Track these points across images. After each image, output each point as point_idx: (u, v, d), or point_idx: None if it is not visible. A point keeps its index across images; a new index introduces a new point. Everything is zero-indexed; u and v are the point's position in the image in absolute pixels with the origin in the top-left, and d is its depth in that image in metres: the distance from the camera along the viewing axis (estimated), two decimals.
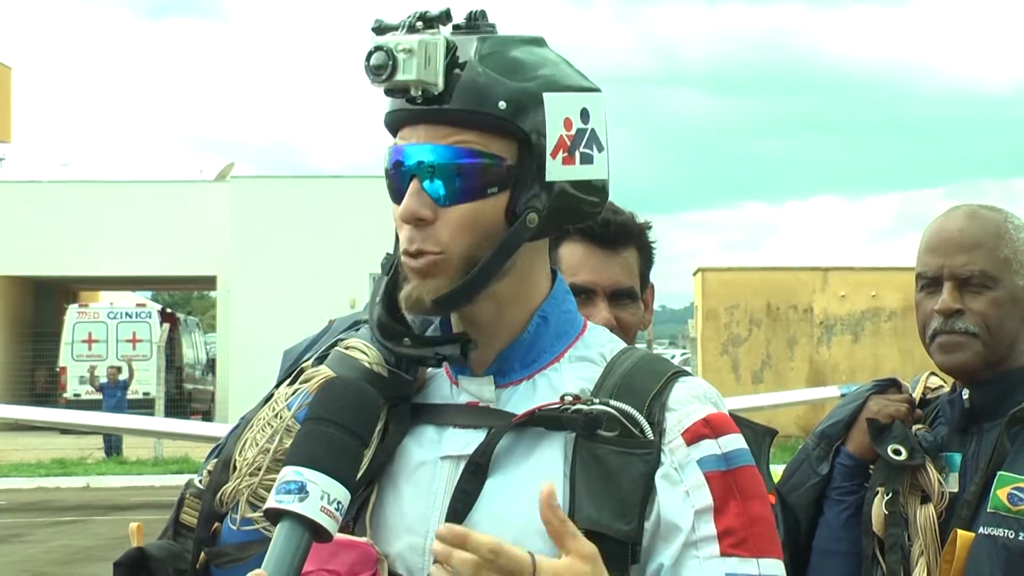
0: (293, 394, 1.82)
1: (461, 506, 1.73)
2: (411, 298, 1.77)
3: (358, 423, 1.70)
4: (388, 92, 1.77)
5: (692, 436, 1.74)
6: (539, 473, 1.73)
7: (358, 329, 1.90)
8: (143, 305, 35.03)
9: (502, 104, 1.74)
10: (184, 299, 60.14)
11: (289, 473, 1.64)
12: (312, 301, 24.93)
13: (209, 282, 36.55)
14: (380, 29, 1.77)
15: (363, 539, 1.77)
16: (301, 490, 1.62)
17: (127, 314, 32.24)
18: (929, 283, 2.49)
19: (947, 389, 2.57)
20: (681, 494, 1.71)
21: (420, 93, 1.73)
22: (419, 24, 1.75)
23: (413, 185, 1.75)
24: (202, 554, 1.81)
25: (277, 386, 1.88)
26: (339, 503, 1.64)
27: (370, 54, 1.74)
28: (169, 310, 37.17)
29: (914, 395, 2.59)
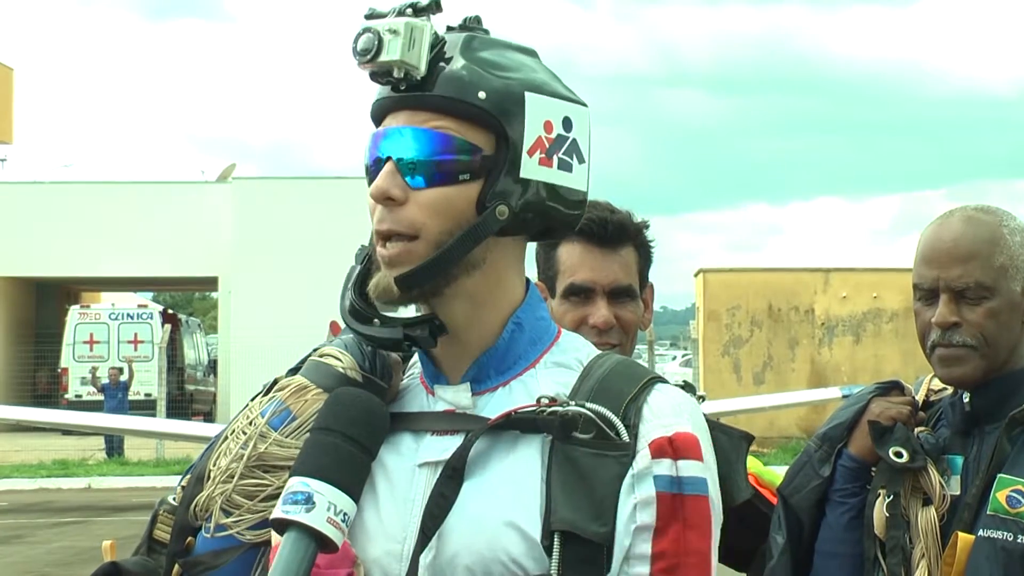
0: (268, 402, 1.82)
1: (438, 510, 1.73)
2: (379, 286, 1.79)
3: (365, 434, 1.70)
4: (373, 76, 1.78)
5: (655, 450, 1.74)
6: (515, 475, 1.74)
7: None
8: (144, 306, 35.02)
9: (482, 94, 1.76)
10: (185, 300, 60.16)
11: (296, 484, 1.64)
12: (313, 302, 24.90)
13: (210, 283, 36.56)
14: (371, 16, 1.79)
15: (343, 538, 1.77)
16: (308, 501, 1.62)
17: (129, 315, 32.25)
18: (926, 294, 2.48)
19: (950, 391, 2.56)
20: (631, 507, 1.72)
21: (403, 76, 1.75)
22: (408, 11, 1.78)
23: (388, 166, 1.77)
24: (175, 567, 1.81)
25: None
26: (345, 514, 1.64)
27: (357, 36, 1.76)
28: (171, 311, 37.16)
29: (918, 397, 2.58)
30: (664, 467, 1.73)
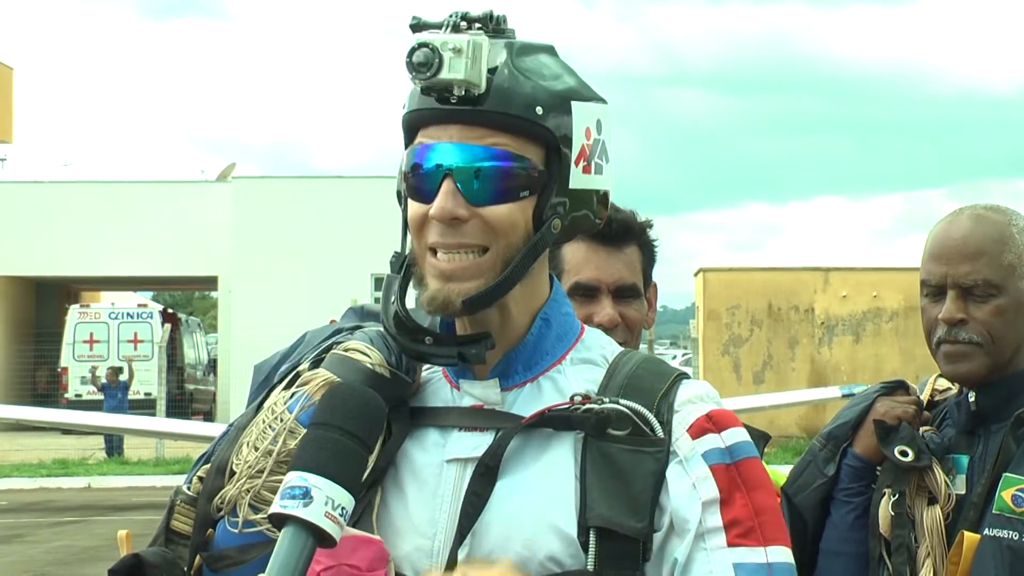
0: (291, 397, 1.81)
1: (472, 508, 1.73)
2: (437, 300, 1.76)
3: (363, 428, 1.69)
4: (426, 90, 1.75)
5: (696, 431, 1.76)
6: (550, 473, 1.75)
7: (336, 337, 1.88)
8: (144, 305, 35.01)
9: (539, 109, 1.75)
10: (185, 299, 60.16)
11: (294, 478, 1.63)
12: (313, 301, 24.93)
13: (210, 282, 36.54)
14: (418, 26, 1.76)
15: (377, 536, 1.76)
16: (306, 495, 1.61)
17: (128, 314, 32.23)
18: (933, 291, 2.49)
19: (955, 391, 2.56)
20: (688, 487, 1.73)
21: (463, 93, 1.73)
22: (463, 24, 1.76)
23: (447, 184, 1.74)
24: (197, 559, 1.79)
25: (254, 398, 1.87)
26: (343, 508, 1.63)
27: (413, 50, 1.73)
28: (170, 310, 37.15)
29: (922, 397, 2.59)
30: (709, 442, 1.75)
